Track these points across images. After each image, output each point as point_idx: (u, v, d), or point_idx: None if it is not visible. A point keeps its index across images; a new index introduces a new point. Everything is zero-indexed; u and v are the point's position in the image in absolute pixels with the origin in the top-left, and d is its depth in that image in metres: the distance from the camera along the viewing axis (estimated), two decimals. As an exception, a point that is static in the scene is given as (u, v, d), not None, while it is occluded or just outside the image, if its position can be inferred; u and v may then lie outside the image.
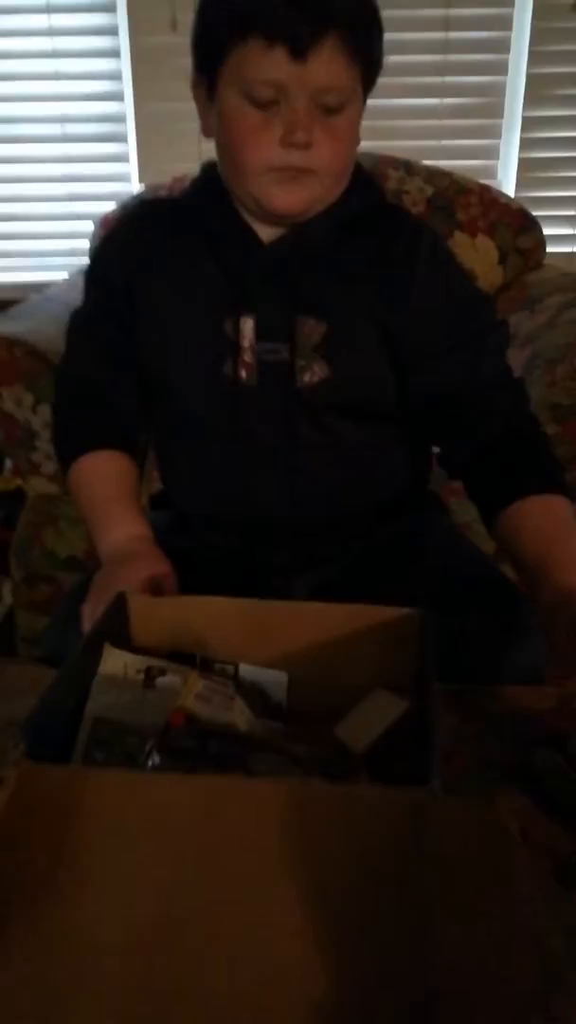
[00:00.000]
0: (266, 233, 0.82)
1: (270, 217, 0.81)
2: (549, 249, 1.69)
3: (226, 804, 0.47)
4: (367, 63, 0.76)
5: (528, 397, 0.90)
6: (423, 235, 0.85)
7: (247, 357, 0.83)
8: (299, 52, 0.70)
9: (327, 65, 0.72)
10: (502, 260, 1.61)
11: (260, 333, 0.82)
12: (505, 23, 1.74)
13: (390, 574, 0.87)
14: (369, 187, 0.87)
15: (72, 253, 1.92)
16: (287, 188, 0.77)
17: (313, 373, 0.82)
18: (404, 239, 0.84)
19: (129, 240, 0.89)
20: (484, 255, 1.60)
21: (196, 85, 0.80)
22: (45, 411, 1.27)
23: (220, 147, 0.80)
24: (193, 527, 0.93)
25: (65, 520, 1.23)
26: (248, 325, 0.82)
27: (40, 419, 1.27)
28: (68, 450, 0.90)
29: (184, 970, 0.40)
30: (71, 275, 1.73)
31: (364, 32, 0.74)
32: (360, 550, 0.91)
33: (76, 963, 0.41)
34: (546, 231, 1.66)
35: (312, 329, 0.82)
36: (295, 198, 0.78)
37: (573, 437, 1.21)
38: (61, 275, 1.76)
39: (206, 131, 0.82)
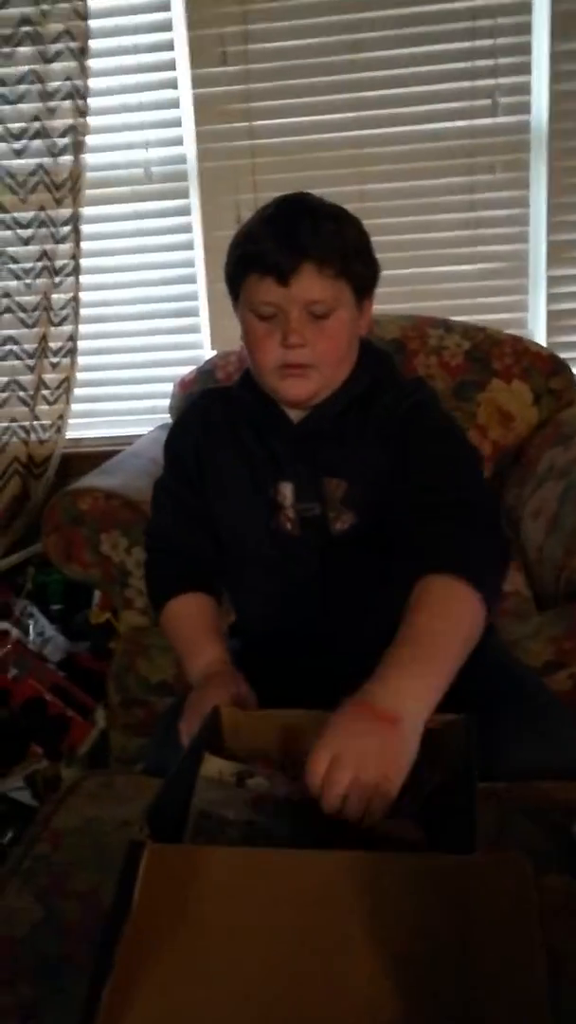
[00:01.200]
0: (294, 415, 1.01)
1: (287, 404, 1.01)
2: (581, 388, 1.87)
3: (311, 871, 0.60)
4: (351, 279, 0.95)
5: (481, 472, 1.01)
6: (420, 404, 1.01)
7: (290, 514, 1.01)
8: (283, 279, 0.91)
9: (307, 286, 0.92)
10: (536, 401, 1.78)
11: (297, 495, 1.01)
12: (523, 202, 2.00)
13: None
14: (380, 364, 1.05)
15: (153, 411, 2.17)
16: (293, 382, 0.96)
17: (343, 521, 0.99)
18: (404, 407, 1.00)
19: (196, 425, 1.10)
20: (519, 397, 1.77)
21: (236, 309, 1.02)
22: (138, 552, 1.45)
23: (249, 353, 1.01)
24: (255, 646, 1.09)
25: (156, 649, 1.38)
26: (287, 489, 1.01)
27: (133, 560, 1.46)
28: (159, 595, 1.08)
29: (282, 1000, 0.52)
30: (153, 430, 1.97)
31: (339, 258, 0.93)
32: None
33: (197, 996, 0.53)
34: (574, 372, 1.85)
35: (336, 486, 0.99)
36: (301, 389, 0.97)
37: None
38: (145, 429, 2.00)
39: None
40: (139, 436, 1.93)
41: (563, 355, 1.84)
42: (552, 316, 2.03)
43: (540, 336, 2.03)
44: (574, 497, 1.42)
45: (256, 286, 0.93)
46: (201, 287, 2.12)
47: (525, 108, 1.95)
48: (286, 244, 0.91)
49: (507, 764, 0.85)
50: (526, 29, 1.90)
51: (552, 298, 2.02)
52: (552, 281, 2.01)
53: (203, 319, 2.14)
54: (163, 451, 1.14)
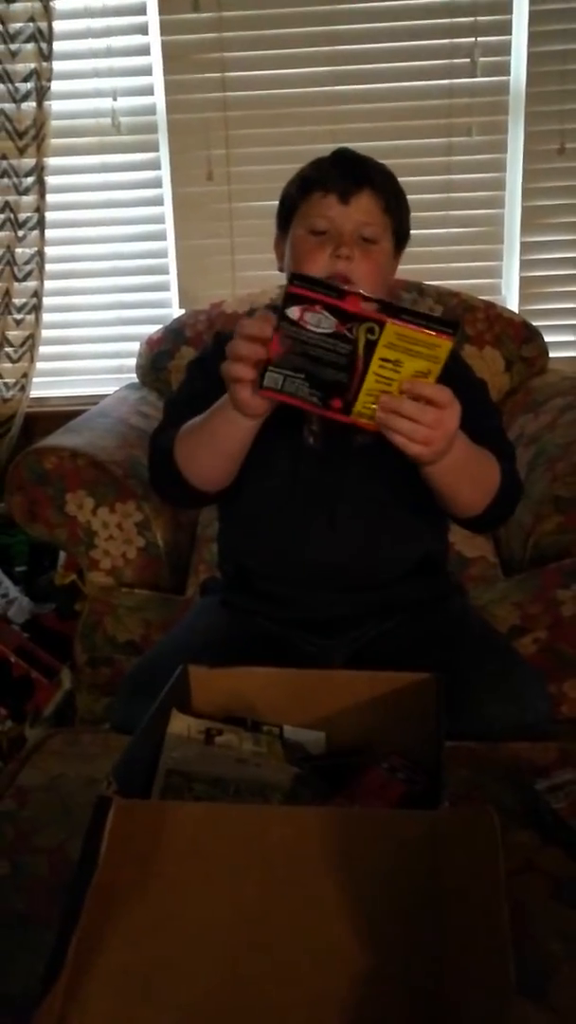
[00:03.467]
0: None
1: None
2: (554, 354, 1.87)
3: (279, 826, 0.59)
4: (394, 218, 1.04)
5: (514, 457, 1.08)
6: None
7: (315, 427, 1.03)
8: (345, 198, 1.00)
9: (364, 208, 1.01)
10: (508, 368, 1.78)
11: None
12: (499, 166, 1.97)
13: (413, 646, 1.00)
14: None
15: (120, 370, 2.13)
16: None
17: (365, 435, 0.96)
18: None
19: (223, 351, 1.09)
20: (491, 364, 1.77)
21: (277, 242, 1.11)
22: (103, 513, 1.43)
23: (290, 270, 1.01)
24: (250, 580, 1.08)
25: (123, 608, 1.37)
26: None
27: (99, 520, 1.43)
28: (167, 454, 1.02)
29: (251, 951, 0.52)
30: (120, 389, 1.93)
31: (392, 196, 1.05)
32: (390, 623, 1.05)
33: (165, 948, 0.53)
34: (549, 338, 1.84)
35: None
36: None
37: (574, 526, 1.34)
38: (112, 389, 1.95)
39: (282, 269, 1.10)
40: (106, 396, 1.89)
41: (535, 322, 1.84)
42: (525, 283, 2.02)
43: (513, 302, 2.02)
44: (543, 464, 1.43)
45: (318, 203, 1.02)
46: (170, 244, 2.07)
47: (505, 69, 1.92)
48: (351, 171, 1.03)
49: (477, 722, 0.87)
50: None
51: (525, 264, 2.01)
52: (526, 247, 2.00)
53: (172, 277, 2.09)
54: (185, 370, 1.19)
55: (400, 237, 1.07)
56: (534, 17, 1.87)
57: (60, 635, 1.70)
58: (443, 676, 0.79)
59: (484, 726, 0.89)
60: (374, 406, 0.83)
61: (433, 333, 0.79)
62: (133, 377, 1.96)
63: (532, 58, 1.89)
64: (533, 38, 1.88)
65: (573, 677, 1.22)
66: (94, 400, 1.88)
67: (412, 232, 1.11)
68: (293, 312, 0.80)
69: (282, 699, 0.82)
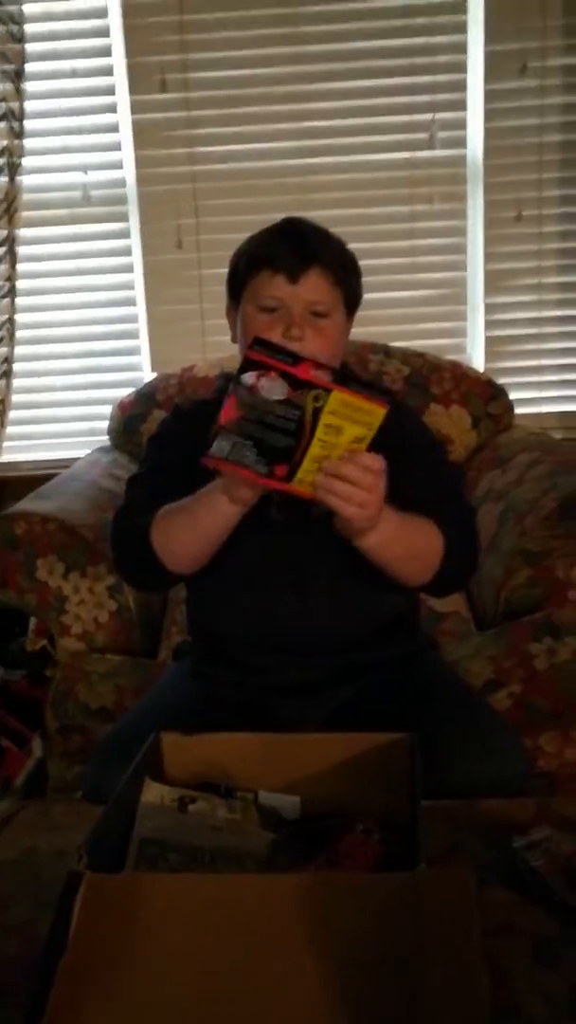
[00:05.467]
0: None
1: None
2: (519, 411, 1.91)
3: (253, 894, 0.58)
4: (345, 290, 1.05)
5: (470, 520, 1.10)
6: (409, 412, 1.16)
7: (277, 499, 1.00)
8: (293, 278, 1.01)
9: (313, 286, 1.01)
10: (475, 425, 1.82)
11: None
12: (460, 231, 2.05)
13: (388, 705, 0.99)
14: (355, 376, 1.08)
15: (91, 433, 2.14)
16: None
17: (319, 507, 0.97)
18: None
19: (184, 424, 1.13)
20: (458, 422, 1.81)
21: (229, 310, 1.11)
22: (75, 578, 1.42)
23: (242, 347, 1.04)
24: (220, 650, 1.07)
25: (95, 675, 1.35)
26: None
27: (71, 585, 1.42)
28: (136, 538, 1.02)
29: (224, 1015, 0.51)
30: (91, 453, 1.94)
31: (340, 268, 1.04)
32: (364, 681, 1.04)
33: (142, 1019, 0.51)
34: (513, 396, 1.89)
35: None
36: None
37: (543, 579, 1.36)
38: (83, 452, 1.96)
39: (234, 339, 1.11)
40: (77, 459, 1.90)
41: (500, 380, 1.89)
42: (490, 342, 2.08)
43: (479, 361, 2.08)
44: (512, 518, 1.45)
45: (267, 282, 1.02)
46: (141, 310, 2.10)
47: (461, 143, 2.01)
48: (299, 248, 1.03)
49: (453, 779, 0.86)
50: (461, 67, 1.97)
51: (490, 324, 2.07)
52: (489, 308, 2.06)
53: (143, 341, 2.12)
54: (145, 447, 1.20)
55: (351, 304, 1.08)
56: (489, 96, 1.97)
57: (31, 702, 1.67)
58: (417, 735, 0.78)
59: (460, 783, 0.88)
60: (313, 474, 0.85)
61: (370, 400, 0.82)
62: (105, 440, 1.97)
63: (488, 132, 1.99)
64: (488, 115, 1.98)
65: (549, 730, 1.22)
66: (66, 464, 1.88)
67: (378, 295, 1.15)
68: (249, 378, 0.82)
69: (256, 764, 0.82)
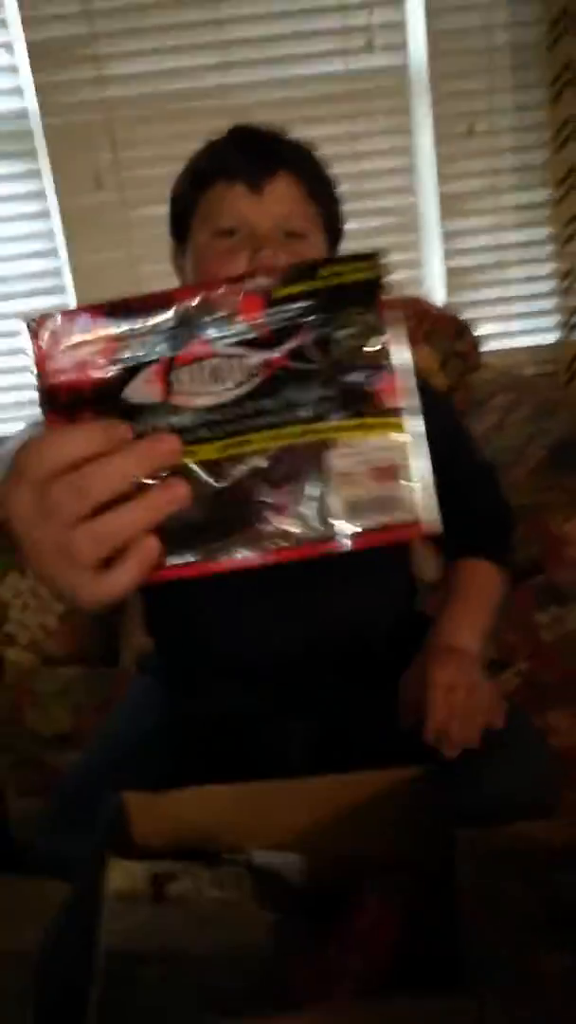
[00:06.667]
0: None
1: None
2: (485, 348, 1.75)
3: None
4: (322, 204, 0.83)
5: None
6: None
7: None
8: (256, 186, 0.79)
9: (282, 196, 0.80)
10: (443, 365, 1.66)
11: None
12: (405, 151, 1.85)
13: (388, 713, 0.85)
14: None
15: (19, 405, 1.93)
16: None
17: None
18: None
19: None
20: (426, 363, 1.65)
21: (174, 256, 0.89)
22: (14, 579, 1.24)
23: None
24: (199, 674, 0.91)
25: (49, 695, 1.18)
26: None
27: (9, 588, 1.24)
28: None
29: None
30: (26, 427, 1.73)
31: (315, 178, 0.83)
32: (355, 697, 0.90)
33: None
34: (479, 332, 1.73)
35: None
36: None
37: (537, 536, 1.23)
38: (11, 428, 1.76)
39: (182, 281, 0.88)
40: (5, 438, 1.69)
41: (465, 314, 1.72)
42: (452, 273, 1.90)
43: (439, 294, 1.90)
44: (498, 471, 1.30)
45: (222, 197, 0.80)
46: (64, 262, 1.87)
47: (403, 48, 1.79)
48: (258, 152, 0.81)
49: (477, 799, 0.72)
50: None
51: (449, 254, 1.89)
52: (448, 236, 1.88)
53: (70, 296, 1.89)
54: None
55: (332, 227, 0.86)
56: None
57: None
58: (435, 768, 0.64)
59: (484, 803, 0.74)
60: None
61: None
62: (36, 414, 1.77)
63: (432, 36, 1.77)
64: (431, 14, 1.76)
65: (558, 707, 1.10)
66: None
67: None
68: None
69: (245, 818, 0.67)
